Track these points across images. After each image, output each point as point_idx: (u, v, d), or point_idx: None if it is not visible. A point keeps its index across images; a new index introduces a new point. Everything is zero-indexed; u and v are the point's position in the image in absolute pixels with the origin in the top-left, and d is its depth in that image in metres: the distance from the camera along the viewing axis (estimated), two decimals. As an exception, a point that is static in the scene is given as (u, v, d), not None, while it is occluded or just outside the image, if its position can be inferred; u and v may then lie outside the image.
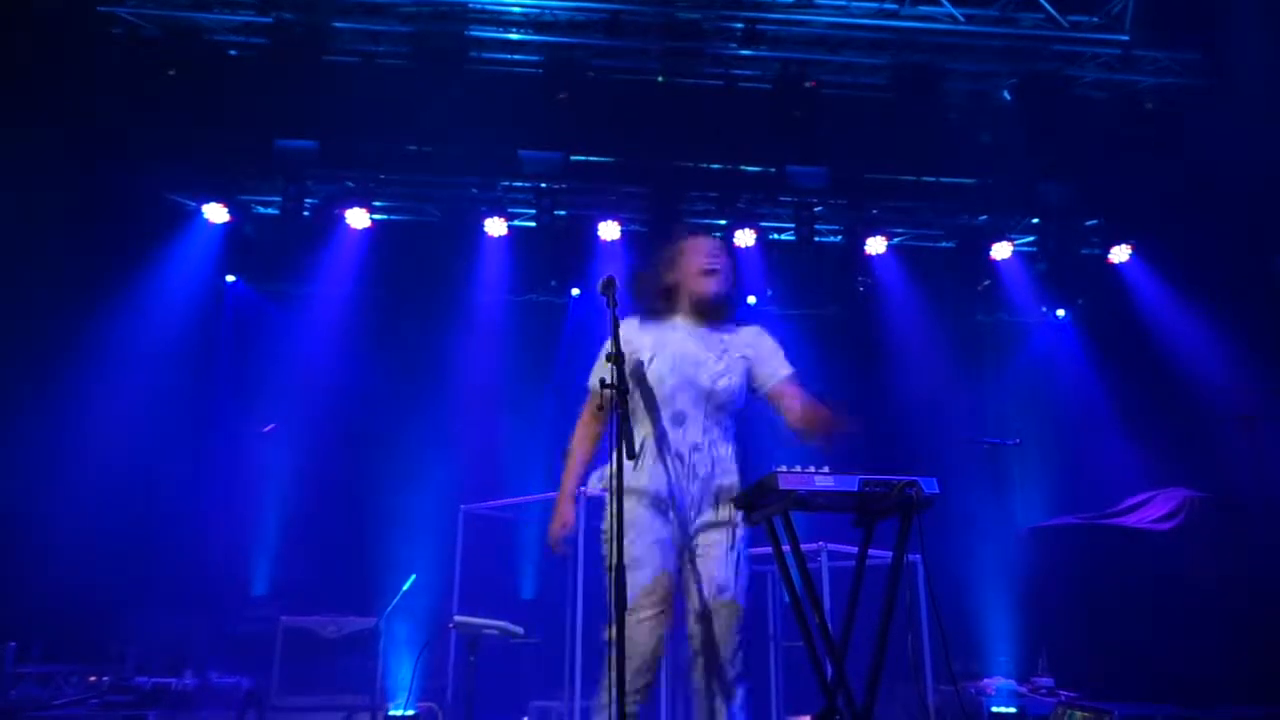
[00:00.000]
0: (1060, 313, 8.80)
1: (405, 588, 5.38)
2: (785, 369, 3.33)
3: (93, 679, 4.99)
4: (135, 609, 6.02)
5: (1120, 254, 8.20)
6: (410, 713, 4.89)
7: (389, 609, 5.27)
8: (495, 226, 7.85)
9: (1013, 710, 4.76)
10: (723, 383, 3.18)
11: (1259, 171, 6.91)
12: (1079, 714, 3.12)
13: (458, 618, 5.49)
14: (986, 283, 8.38)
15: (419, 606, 6.25)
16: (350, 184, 7.81)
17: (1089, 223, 8.24)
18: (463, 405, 7.63)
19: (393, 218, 8.06)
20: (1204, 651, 4.80)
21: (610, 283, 3.09)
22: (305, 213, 7.70)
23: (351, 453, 7.32)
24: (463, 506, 6.30)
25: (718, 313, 3.33)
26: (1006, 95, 7.73)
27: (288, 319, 7.80)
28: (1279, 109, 6.77)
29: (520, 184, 8.04)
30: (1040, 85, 7.41)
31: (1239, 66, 7.19)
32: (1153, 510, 5.50)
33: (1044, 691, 4.99)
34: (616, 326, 3.01)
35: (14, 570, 5.53)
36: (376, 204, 7.86)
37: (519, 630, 5.23)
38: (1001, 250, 8.17)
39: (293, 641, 5.17)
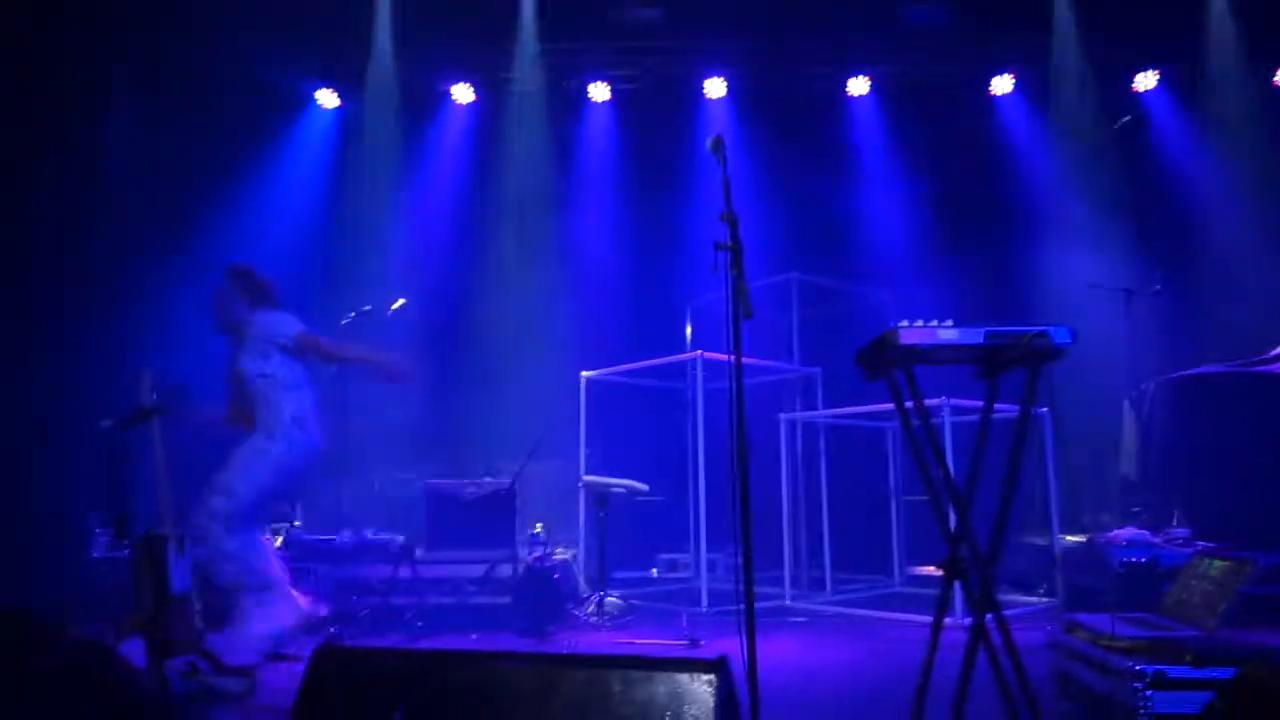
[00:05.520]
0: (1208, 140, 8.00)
1: (531, 451, 5.65)
2: None
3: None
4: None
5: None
6: (563, 554, 5.24)
7: (519, 470, 5.57)
8: (598, 91, 7.72)
9: (1144, 561, 4.67)
10: None
11: None
12: (1217, 563, 3.04)
13: (586, 477, 5.78)
14: (1126, 118, 7.66)
15: (549, 468, 6.58)
16: (454, 60, 7.77)
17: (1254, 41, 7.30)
18: (579, 278, 7.79)
19: (497, 91, 7.98)
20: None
21: (718, 140, 3.04)
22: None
23: (467, 328, 7.64)
24: (583, 373, 6.50)
25: None
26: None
27: (403, 194, 7.99)
28: None
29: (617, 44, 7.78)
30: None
31: None
32: (1310, 356, 5.12)
33: (1179, 542, 4.86)
34: (728, 184, 2.96)
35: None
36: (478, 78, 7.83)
37: (644, 488, 5.47)
38: (1146, 80, 7.45)
39: (437, 503, 5.57)
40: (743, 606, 2.66)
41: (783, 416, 6.25)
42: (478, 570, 5.18)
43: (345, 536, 5.48)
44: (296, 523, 5.86)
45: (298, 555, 5.41)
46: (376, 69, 7.59)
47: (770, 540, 5.92)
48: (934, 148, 7.77)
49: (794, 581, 6.11)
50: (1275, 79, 7.38)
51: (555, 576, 5.15)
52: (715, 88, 7.72)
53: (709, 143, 3.07)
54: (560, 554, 5.78)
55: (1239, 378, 5.08)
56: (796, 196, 7.63)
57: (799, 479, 6.64)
